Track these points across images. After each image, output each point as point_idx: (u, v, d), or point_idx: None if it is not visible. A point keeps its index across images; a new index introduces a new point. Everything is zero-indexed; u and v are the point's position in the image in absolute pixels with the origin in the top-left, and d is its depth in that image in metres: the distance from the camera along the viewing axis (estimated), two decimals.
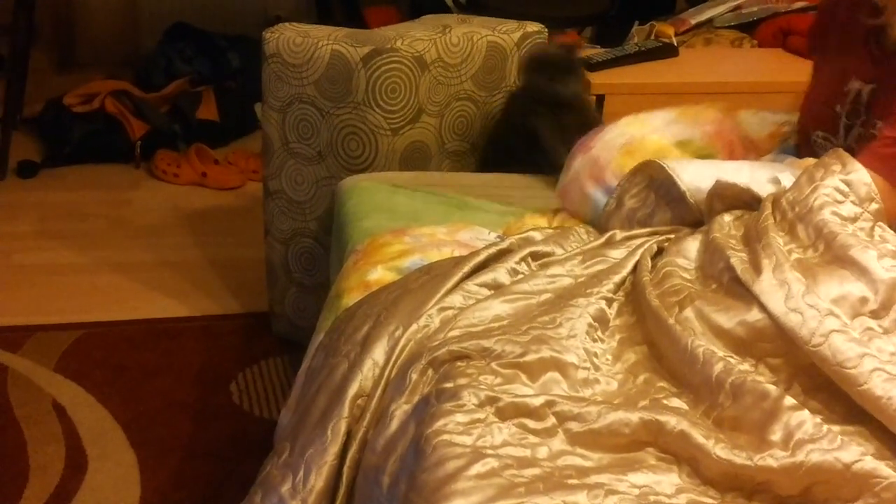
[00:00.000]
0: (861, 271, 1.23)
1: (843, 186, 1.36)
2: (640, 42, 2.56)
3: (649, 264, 1.42)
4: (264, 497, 1.29)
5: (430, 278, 1.46)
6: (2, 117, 3.21)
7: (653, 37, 2.62)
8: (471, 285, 1.43)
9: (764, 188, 1.50)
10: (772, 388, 1.15)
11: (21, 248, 2.83)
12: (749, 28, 2.81)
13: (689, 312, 1.29)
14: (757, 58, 2.61)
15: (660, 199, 1.65)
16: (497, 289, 1.43)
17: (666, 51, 2.48)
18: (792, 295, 1.22)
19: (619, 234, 1.57)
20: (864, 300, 1.21)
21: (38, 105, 3.48)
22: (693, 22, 2.84)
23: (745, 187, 1.50)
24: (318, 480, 1.25)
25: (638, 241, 1.52)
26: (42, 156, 3.32)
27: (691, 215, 1.58)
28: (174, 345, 2.43)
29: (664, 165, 1.64)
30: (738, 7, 2.91)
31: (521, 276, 1.46)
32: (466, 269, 1.46)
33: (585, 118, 2.07)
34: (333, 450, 1.26)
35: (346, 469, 1.24)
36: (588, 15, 3.31)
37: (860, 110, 1.65)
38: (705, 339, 1.25)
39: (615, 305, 1.38)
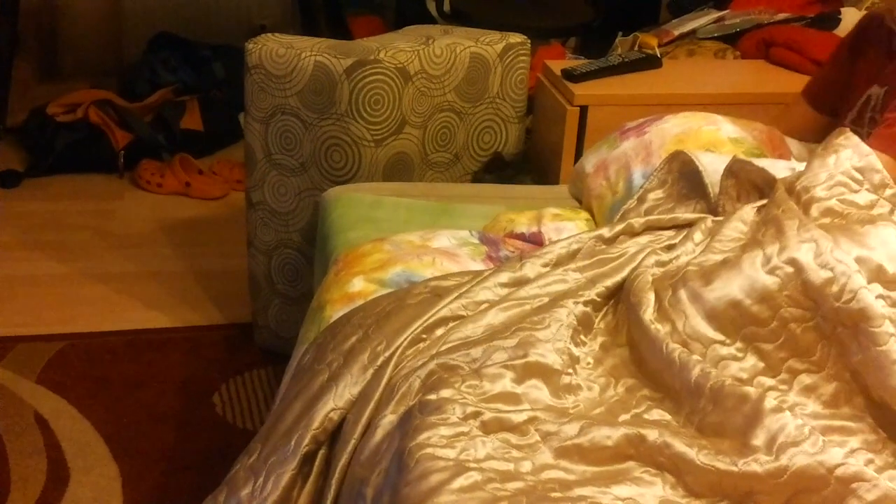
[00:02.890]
0: (881, 242, 1.26)
1: (856, 175, 1.39)
2: (623, 53, 2.56)
3: (651, 262, 1.42)
4: (227, 497, 1.30)
5: (429, 296, 1.45)
6: None
7: (636, 48, 2.62)
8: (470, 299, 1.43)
9: (780, 173, 1.51)
10: (751, 390, 1.16)
11: (3, 258, 2.82)
12: (732, 39, 2.82)
13: (682, 294, 1.30)
14: (740, 69, 2.62)
15: (681, 193, 1.66)
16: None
17: (649, 62, 2.48)
18: (821, 251, 1.24)
19: (637, 222, 1.55)
20: (881, 269, 1.23)
21: (21, 114, 3.47)
22: (676, 33, 2.85)
23: (761, 167, 1.51)
24: (275, 490, 1.25)
25: (644, 240, 1.51)
26: (25, 165, 3.31)
27: (710, 210, 1.59)
28: (157, 356, 2.42)
29: (690, 154, 1.67)
30: (721, 18, 2.92)
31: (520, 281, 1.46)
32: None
33: None
34: (294, 461, 1.26)
35: (334, 481, 1.23)
36: (571, 25, 3.32)
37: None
38: (694, 321, 1.26)
39: (603, 308, 1.39)
